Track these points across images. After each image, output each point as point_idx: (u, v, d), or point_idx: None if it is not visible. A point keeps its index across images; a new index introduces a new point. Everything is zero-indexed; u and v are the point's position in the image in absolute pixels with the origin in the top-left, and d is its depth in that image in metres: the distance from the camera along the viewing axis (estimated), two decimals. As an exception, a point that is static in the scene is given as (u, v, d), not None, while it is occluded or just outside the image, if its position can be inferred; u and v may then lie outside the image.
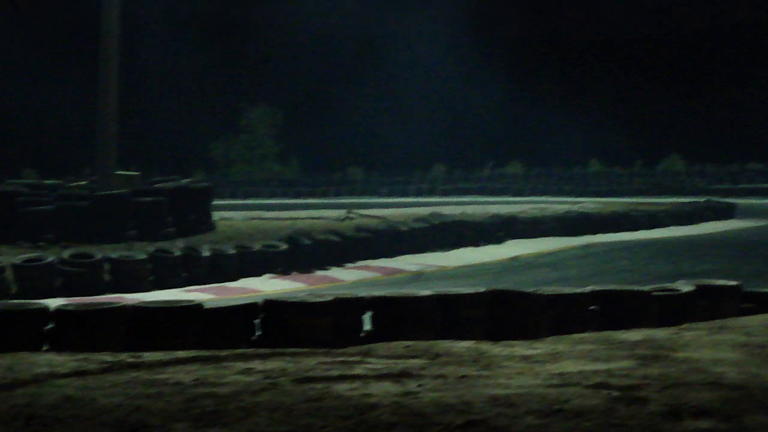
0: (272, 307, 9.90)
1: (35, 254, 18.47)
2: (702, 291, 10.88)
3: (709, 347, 6.98)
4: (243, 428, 4.79)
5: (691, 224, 32.56)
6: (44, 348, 8.99)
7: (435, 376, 5.94)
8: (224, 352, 7.22)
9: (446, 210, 29.58)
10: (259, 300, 10.17)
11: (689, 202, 37.18)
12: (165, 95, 55.30)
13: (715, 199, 39.90)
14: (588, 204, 36.37)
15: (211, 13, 56.57)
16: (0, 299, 13.36)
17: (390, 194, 54.95)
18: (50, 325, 9.35)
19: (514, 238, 26.96)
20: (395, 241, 23.67)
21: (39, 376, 6.19)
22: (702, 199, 39.12)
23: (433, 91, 58.85)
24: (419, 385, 5.60)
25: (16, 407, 5.22)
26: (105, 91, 24.67)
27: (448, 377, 5.90)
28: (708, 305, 10.62)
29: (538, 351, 6.92)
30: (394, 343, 7.43)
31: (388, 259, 22.69)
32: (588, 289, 10.82)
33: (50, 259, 17.95)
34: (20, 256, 18.31)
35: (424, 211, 29.59)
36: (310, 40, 56.64)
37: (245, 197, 52.90)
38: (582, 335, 7.92)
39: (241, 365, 6.40)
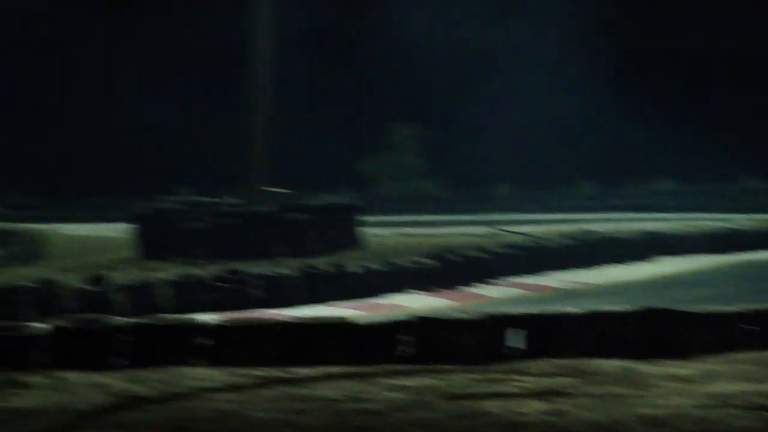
0: (422, 323, 9.89)
1: (190, 270, 18.88)
2: None
3: None
4: (393, 444, 4.81)
5: None
6: (197, 362, 9.16)
7: (585, 394, 5.87)
8: (374, 369, 7.26)
9: (595, 227, 29.19)
10: (409, 316, 10.18)
11: None
12: (312, 112, 55.98)
13: None
14: (742, 221, 35.46)
15: (353, 30, 57.12)
16: (154, 314, 13.67)
17: (537, 211, 54.46)
18: (203, 340, 9.53)
19: (664, 256, 26.44)
20: (543, 258, 23.44)
21: (193, 390, 6.33)
22: None
23: (572, 105, 58.17)
24: (569, 404, 5.54)
25: (171, 420, 5.34)
26: (255, 108, 25.07)
27: (598, 396, 5.82)
28: None
29: (691, 371, 6.78)
30: (543, 361, 7.37)
31: (536, 276, 22.48)
32: (743, 307, 10.53)
33: (204, 275, 18.32)
34: (174, 271, 18.74)
35: (571, 227, 29.28)
36: (448, 55, 56.64)
37: (393, 214, 53.07)
38: (737, 355, 7.73)
39: (390, 381, 6.43)
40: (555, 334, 9.85)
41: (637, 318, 10.18)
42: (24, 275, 19.90)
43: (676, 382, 6.31)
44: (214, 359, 9.02)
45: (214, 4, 49.48)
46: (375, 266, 20.08)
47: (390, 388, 6.16)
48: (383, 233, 29.61)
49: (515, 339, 10.03)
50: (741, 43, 55.88)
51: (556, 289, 20.90)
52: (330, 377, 6.76)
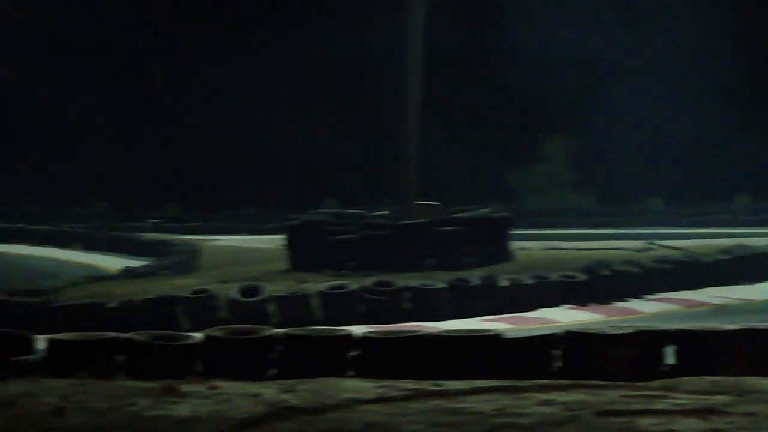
0: (572, 337, 9.81)
1: (340, 282, 19.09)
2: None
3: None
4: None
5: None
6: (349, 374, 9.25)
7: (743, 413, 5.73)
8: (524, 383, 7.21)
9: (751, 241, 28.48)
10: (559, 330, 10.11)
11: None
12: (462, 126, 56.12)
13: None
14: None
15: (485, 46, 57.07)
16: (306, 326, 13.85)
17: (690, 225, 53.39)
18: (355, 352, 9.62)
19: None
20: (697, 273, 22.97)
21: (344, 401, 6.38)
22: None
23: (717, 118, 56.96)
24: (727, 423, 5.42)
25: (324, 431, 5.40)
26: (406, 121, 25.23)
27: (756, 415, 5.67)
28: None
29: None
30: (699, 378, 7.22)
31: (690, 292, 22.03)
32: None
33: (354, 287, 18.50)
34: (326, 283, 18.98)
35: (727, 242, 28.62)
36: (581, 69, 56.14)
37: (542, 227, 52.75)
38: None
39: (541, 396, 6.38)
40: (710, 351, 9.65)
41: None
42: (180, 286, 20.40)
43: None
44: (365, 371, 9.10)
45: (364, 18, 49.94)
46: (525, 280, 19.98)
47: (541, 402, 6.12)
48: (534, 246, 29.45)
49: (670, 355, 9.87)
50: None
51: (709, 305, 20.46)
52: (480, 391, 6.74)
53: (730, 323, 10.64)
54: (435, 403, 6.27)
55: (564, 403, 6.12)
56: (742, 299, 21.37)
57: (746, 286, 23.07)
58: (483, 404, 6.17)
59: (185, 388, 6.91)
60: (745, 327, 10.08)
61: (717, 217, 55.90)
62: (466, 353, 9.51)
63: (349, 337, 9.75)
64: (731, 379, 7.07)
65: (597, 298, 20.35)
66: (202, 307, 17.59)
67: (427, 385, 7.06)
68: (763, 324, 10.46)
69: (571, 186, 62.23)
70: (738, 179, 57.02)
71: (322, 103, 55.43)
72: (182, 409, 6.21)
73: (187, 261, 30.32)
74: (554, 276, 20.57)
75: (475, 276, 20.05)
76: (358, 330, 10.44)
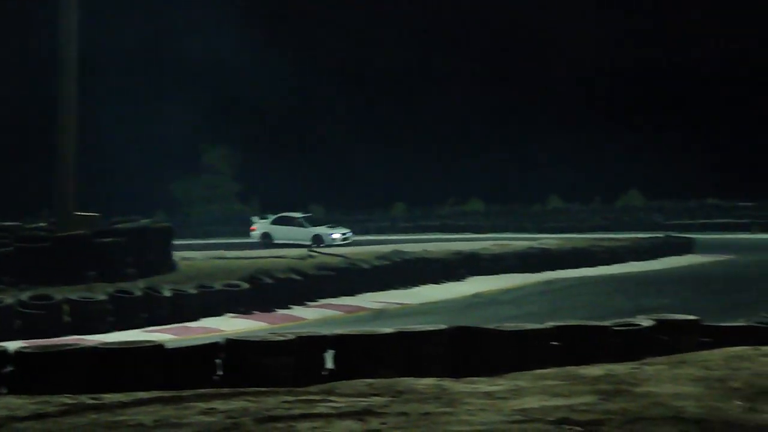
0: (234, 346, 9.86)
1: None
2: (662, 326, 10.94)
3: (670, 381, 7.02)
4: (205, 469, 4.77)
5: (650, 259, 32.73)
6: (3, 391, 8.90)
7: (398, 413, 5.92)
8: (186, 393, 7.17)
9: (407, 247, 29.59)
10: (221, 339, 10.13)
11: (648, 238, 37.37)
12: (124, 136, 55.15)
13: (673, 234, 40.14)
14: (548, 240, 36.52)
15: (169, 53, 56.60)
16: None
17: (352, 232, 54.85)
18: (9, 368, 9.26)
19: (475, 275, 27.00)
20: (357, 279, 23.65)
21: (-2, 419, 6.13)
22: (661, 235, 39.35)
23: (393, 130, 59.08)
24: (382, 423, 5.59)
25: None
26: (63, 132, 24.52)
27: (410, 414, 5.89)
28: (668, 340, 10.66)
29: (500, 387, 6.92)
30: (356, 381, 7.41)
31: (350, 297, 22.66)
32: (549, 324, 10.84)
33: (9, 301, 17.80)
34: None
35: (385, 248, 29.60)
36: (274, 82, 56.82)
37: (207, 237, 52.70)
38: (544, 371, 7.93)
39: (202, 405, 6.36)
40: (367, 354, 9.96)
41: (448, 336, 10.38)
42: None
43: (485, 398, 6.44)
44: (20, 388, 8.77)
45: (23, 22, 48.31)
46: (188, 290, 19.88)
47: (202, 412, 6.10)
48: (198, 256, 29.35)
49: (330, 360, 10.10)
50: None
51: (369, 310, 21.08)
52: (141, 403, 6.64)
53: (387, 327, 11.01)
54: (93, 416, 6.13)
55: (225, 411, 6.13)
56: (398, 303, 22.15)
57: (402, 291, 23.96)
58: (143, 416, 6.08)
59: None
60: (399, 330, 10.45)
61: (377, 224, 57.76)
62: (127, 365, 9.35)
63: (2, 353, 9.37)
64: (386, 381, 7.31)
65: (260, 306, 20.55)
66: None
67: (86, 399, 6.89)
68: (415, 326, 10.89)
69: (235, 196, 62.54)
70: (395, 189, 59.17)
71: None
72: None
73: None
74: (218, 285, 20.60)
75: (137, 287, 19.76)
76: (13, 345, 10.03)
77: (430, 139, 59.74)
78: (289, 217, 42.08)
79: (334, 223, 42.87)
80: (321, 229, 40.83)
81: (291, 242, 38.47)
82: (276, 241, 39.57)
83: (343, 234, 40.58)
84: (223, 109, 59.10)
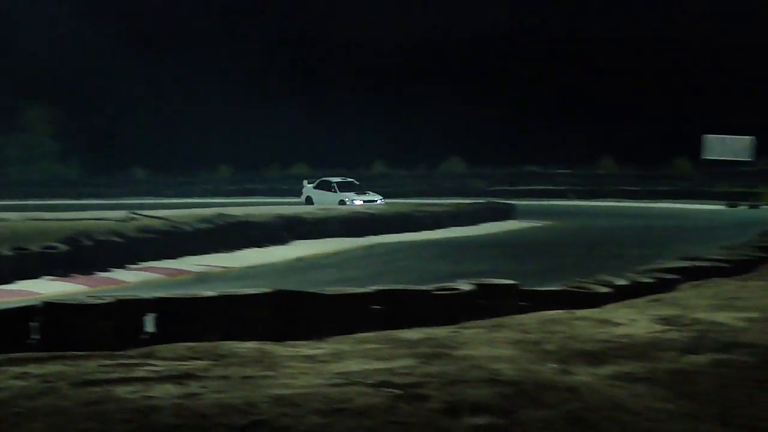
0: (50, 309, 9.62)
1: None
2: (481, 290, 11.14)
3: (487, 345, 7.17)
4: (18, 434, 4.66)
5: (471, 225, 33.35)
6: None
7: (218, 377, 5.89)
8: (0, 357, 6.97)
9: (231, 211, 29.42)
10: (36, 302, 9.88)
11: (470, 203, 38.04)
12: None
13: (494, 200, 40.95)
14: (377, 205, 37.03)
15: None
16: None
17: (175, 195, 54.22)
18: None
19: (299, 239, 27.04)
20: (179, 242, 23.40)
21: None
22: (482, 201, 40.10)
23: (221, 95, 58.57)
24: (202, 387, 5.56)
25: None
26: None
27: (231, 378, 5.87)
28: (487, 304, 10.87)
29: (322, 351, 6.96)
30: (176, 345, 7.34)
31: (172, 261, 22.42)
32: (371, 288, 10.94)
33: None
34: None
35: (209, 211, 29.37)
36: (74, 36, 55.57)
37: (24, 198, 51.34)
38: (365, 335, 8.00)
39: (16, 369, 6.19)
40: (189, 318, 9.86)
41: (270, 300, 10.36)
42: None
43: (306, 362, 6.47)
44: None
45: None
46: (3, 251, 19.34)
47: (16, 376, 5.94)
48: (15, 217, 28.55)
49: (151, 323, 9.96)
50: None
51: (191, 273, 20.92)
52: (-49, 368, 6.42)
53: (209, 290, 10.93)
54: None
55: (40, 375, 5.99)
56: (221, 267, 22.04)
57: (225, 254, 23.84)
58: (-47, 381, 5.89)
59: None
60: (221, 293, 10.39)
61: (201, 187, 57.27)
62: (-63, 329, 9.04)
63: None
64: (208, 344, 7.25)
65: (79, 269, 20.15)
66: None
67: None
68: (238, 290, 10.84)
69: (54, 155, 61.01)
70: (220, 151, 58.75)
71: None
72: None
73: None
74: (34, 247, 20.10)
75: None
76: None
77: (258, 102, 59.50)
78: (327, 181, 42.81)
79: (367, 189, 42.36)
80: (347, 195, 40.99)
81: (326, 206, 37.76)
82: (316, 205, 39.05)
83: (366, 200, 39.97)
84: (43, 70, 57.54)
